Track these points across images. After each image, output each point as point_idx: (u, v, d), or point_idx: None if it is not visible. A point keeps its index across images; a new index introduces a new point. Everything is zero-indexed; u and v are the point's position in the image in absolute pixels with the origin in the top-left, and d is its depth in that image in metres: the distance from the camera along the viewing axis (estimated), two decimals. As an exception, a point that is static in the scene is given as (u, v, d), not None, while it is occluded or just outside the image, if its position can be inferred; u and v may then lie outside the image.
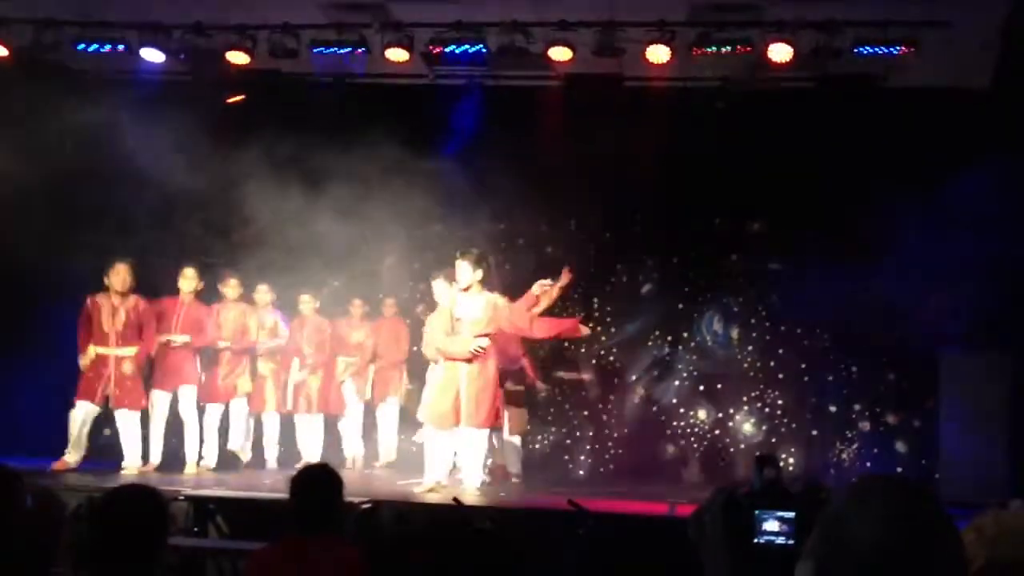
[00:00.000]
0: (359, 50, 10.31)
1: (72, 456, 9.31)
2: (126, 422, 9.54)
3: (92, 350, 9.43)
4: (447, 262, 11.52)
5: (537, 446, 11.64)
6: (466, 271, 8.58)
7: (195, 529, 7.42)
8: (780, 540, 1.82)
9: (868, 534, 1.52)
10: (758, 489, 1.88)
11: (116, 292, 9.47)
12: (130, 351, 9.47)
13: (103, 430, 11.66)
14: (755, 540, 1.83)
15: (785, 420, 11.27)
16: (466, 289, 8.62)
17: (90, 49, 10.44)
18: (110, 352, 9.45)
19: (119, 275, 9.45)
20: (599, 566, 6.75)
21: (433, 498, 8.00)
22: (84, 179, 10.97)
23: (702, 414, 11.44)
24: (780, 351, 11.33)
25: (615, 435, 11.55)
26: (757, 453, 1.88)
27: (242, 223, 10.58)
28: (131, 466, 9.48)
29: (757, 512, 1.84)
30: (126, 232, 11.28)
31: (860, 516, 1.54)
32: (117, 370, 9.43)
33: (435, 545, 7.00)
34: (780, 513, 1.83)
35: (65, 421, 9.51)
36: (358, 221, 10.16)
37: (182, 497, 7.52)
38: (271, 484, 8.70)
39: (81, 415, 9.38)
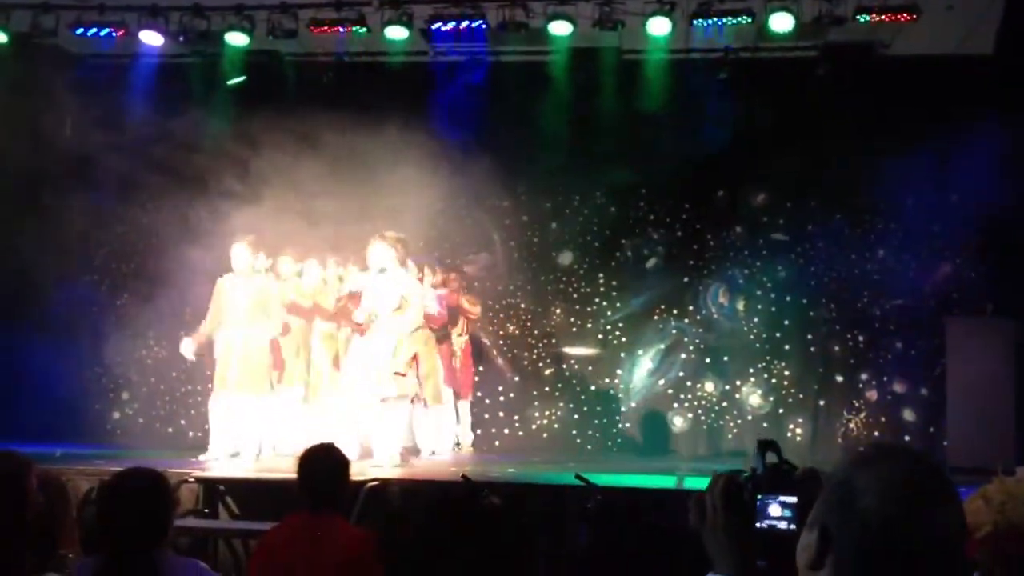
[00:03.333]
0: (358, 28, 10.28)
1: (216, 452, 8.93)
2: (246, 407, 9.05)
3: (216, 332, 9.04)
4: (448, 242, 11.59)
5: (545, 421, 11.67)
6: (382, 253, 8.50)
7: (205, 511, 7.44)
8: (782, 525, 1.81)
9: (872, 499, 1.54)
10: (760, 474, 1.86)
11: (240, 271, 9.06)
12: (257, 331, 9.06)
13: (113, 413, 11.76)
14: (757, 525, 1.82)
15: (792, 391, 11.27)
16: (382, 272, 8.52)
17: (88, 33, 10.43)
18: (236, 333, 9.00)
19: (241, 254, 9.02)
20: (607, 540, 6.77)
21: (441, 474, 8.03)
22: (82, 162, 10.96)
23: (709, 387, 11.45)
24: (786, 322, 11.31)
25: (623, 409, 11.56)
26: (759, 439, 1.86)
27: (243, 200, 10.52)
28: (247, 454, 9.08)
29: (760, 497, 1.83)
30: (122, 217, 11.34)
31: (864, 482, 1.56)
32: (243, 351, 8.99)
33: (445, 521, 7.06)
34: (783, 498, 1.83)
35: (73, 406, 9.46)
36: (359, 200, 10.16)
37: (192, 479, 7.55)
38: (281, 465, 8.72)
39: (219, 404, 9.03)
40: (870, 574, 1.53)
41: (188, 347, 9.05)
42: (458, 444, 10.69)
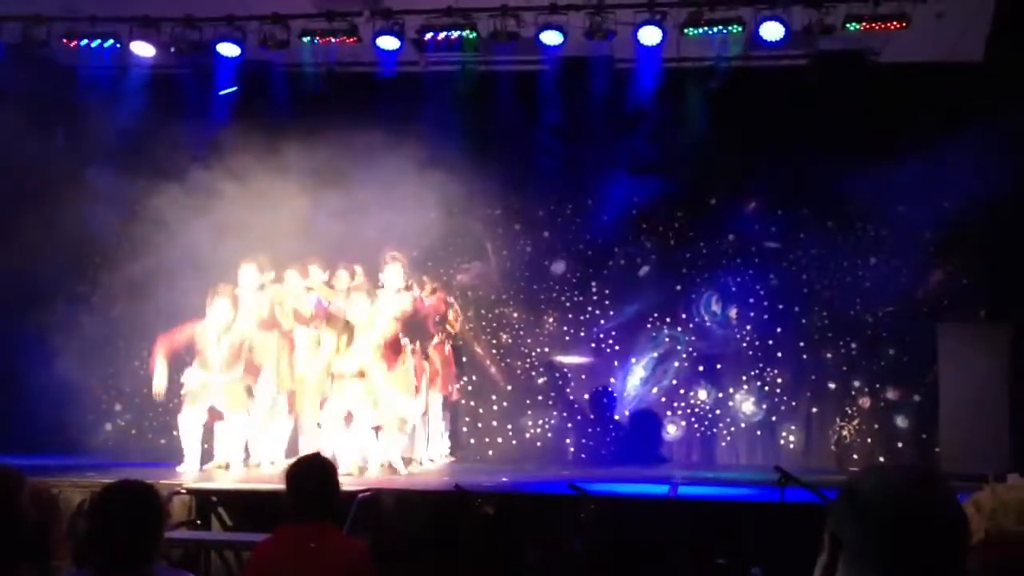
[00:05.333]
0: (349, 39, 10.29)
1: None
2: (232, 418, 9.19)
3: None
4: (441, 251, 11.58)
5: (538, 430, 11.67)
6: (397, 274, 8.90)
7: (198, 522, 7.42)
8: None
9: (873, 502, 1.64)
10: None
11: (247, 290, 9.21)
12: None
13: (106, 425, 11.72)
14: None
15: (785, 398, 11.28)
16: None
17: (80, 44, 10.42)
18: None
19: (249, 274, 9.21)
20: (602, 549, 6.77)
21: (434, 484, 8.02)
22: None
23: (702, 394, 11.45)
24: (778, 330, 11.33)
25: (616, 417, 11.56)
26: None
27: (236, 210, 10.50)
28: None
29: None
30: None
31: (867, 488, 1.67)
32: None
33: (438, 531, 7.04)
34: None
35: (66, 417, 9.39)
36: (353, 210, 10.14)
37: (184, 490, 7.53)
38: (272, 476, 8.70)
39: (194, 418, 9.15)
40: (876, 573, 1.60)
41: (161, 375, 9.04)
42: (450, 452, 10.69)
